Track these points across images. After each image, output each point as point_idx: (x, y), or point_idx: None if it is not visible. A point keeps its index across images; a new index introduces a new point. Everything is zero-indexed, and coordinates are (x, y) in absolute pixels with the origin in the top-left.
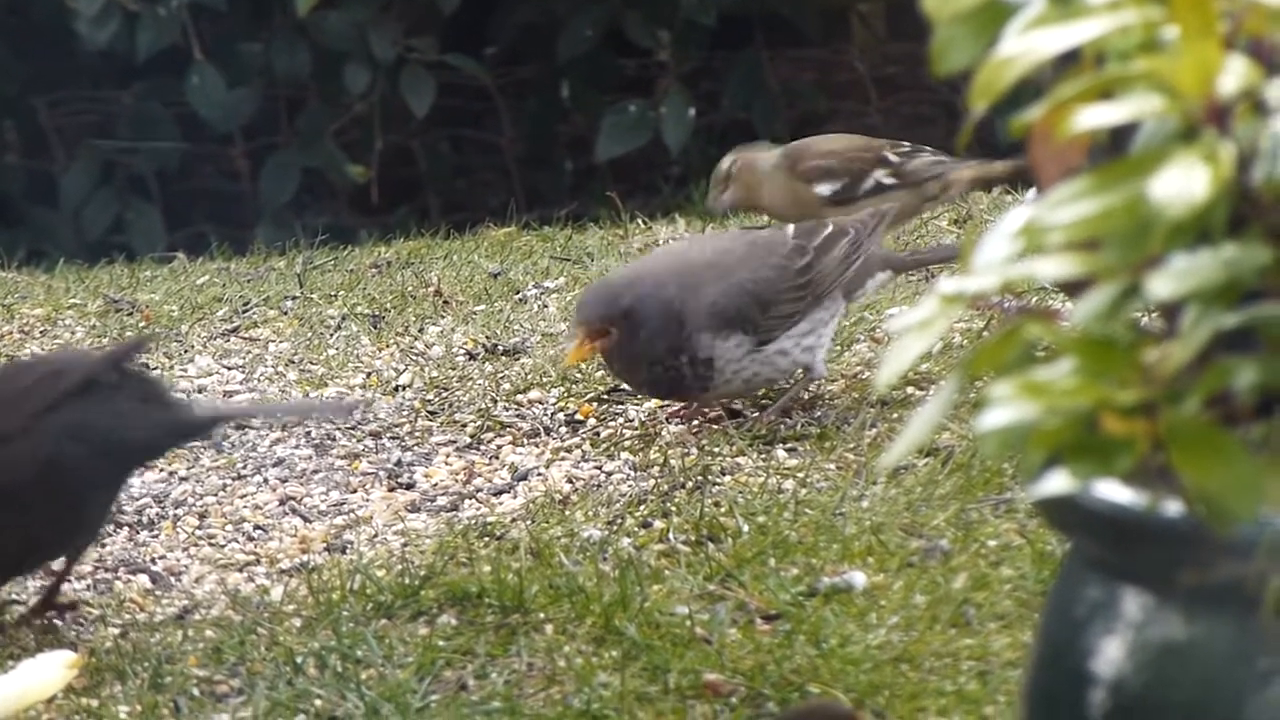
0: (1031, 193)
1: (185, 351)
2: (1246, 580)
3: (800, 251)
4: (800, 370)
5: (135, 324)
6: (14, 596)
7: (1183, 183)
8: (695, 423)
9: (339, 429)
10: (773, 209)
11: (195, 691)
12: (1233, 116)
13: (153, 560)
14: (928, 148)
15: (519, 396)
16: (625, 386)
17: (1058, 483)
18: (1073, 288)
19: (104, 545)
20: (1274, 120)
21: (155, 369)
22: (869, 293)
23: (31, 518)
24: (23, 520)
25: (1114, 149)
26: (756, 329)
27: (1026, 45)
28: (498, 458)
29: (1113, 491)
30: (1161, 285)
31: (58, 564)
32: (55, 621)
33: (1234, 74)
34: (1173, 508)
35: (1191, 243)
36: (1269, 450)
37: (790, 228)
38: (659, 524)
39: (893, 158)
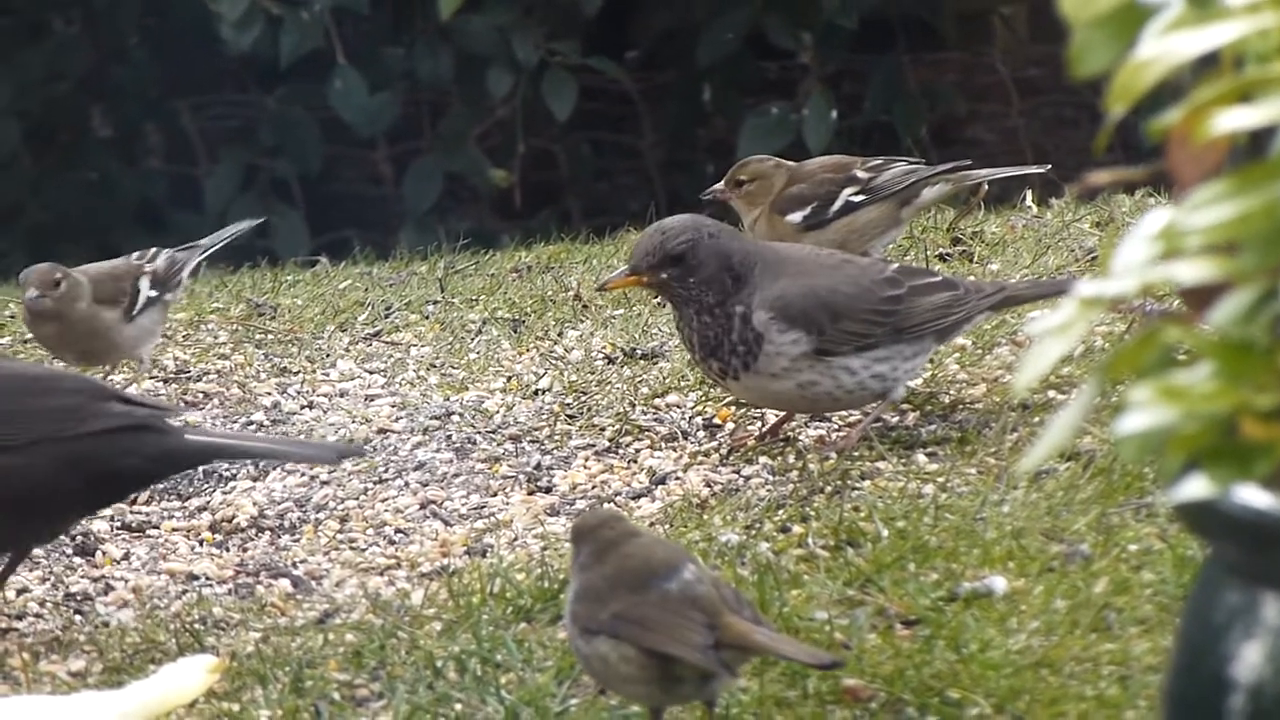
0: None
1: (327, 356)
2: None
3: (893, 284)
4: (877, 401)
5: (277, 328)
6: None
7: None
8: (767, 440)
9: (479, 432)
10: (751, 231)
11: (336, 695)
12: None
13: (294, 564)
14: (903, 159)
15: (657, 400)
16: (685, 350)
17: (1197, 487)
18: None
19: (245, 549)
20: None
21: (298, 373)
22: (964, 334)
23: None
24: None
25: (1253, 152)
26: (821, 335)
27: (1165, 48)
28: (636, 461)
29: (1252, 496)
30: None
31: None
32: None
33: None
34: None
35: None
36: None
37: (894, 263)
38: (798, 529)
39: (861, 174)
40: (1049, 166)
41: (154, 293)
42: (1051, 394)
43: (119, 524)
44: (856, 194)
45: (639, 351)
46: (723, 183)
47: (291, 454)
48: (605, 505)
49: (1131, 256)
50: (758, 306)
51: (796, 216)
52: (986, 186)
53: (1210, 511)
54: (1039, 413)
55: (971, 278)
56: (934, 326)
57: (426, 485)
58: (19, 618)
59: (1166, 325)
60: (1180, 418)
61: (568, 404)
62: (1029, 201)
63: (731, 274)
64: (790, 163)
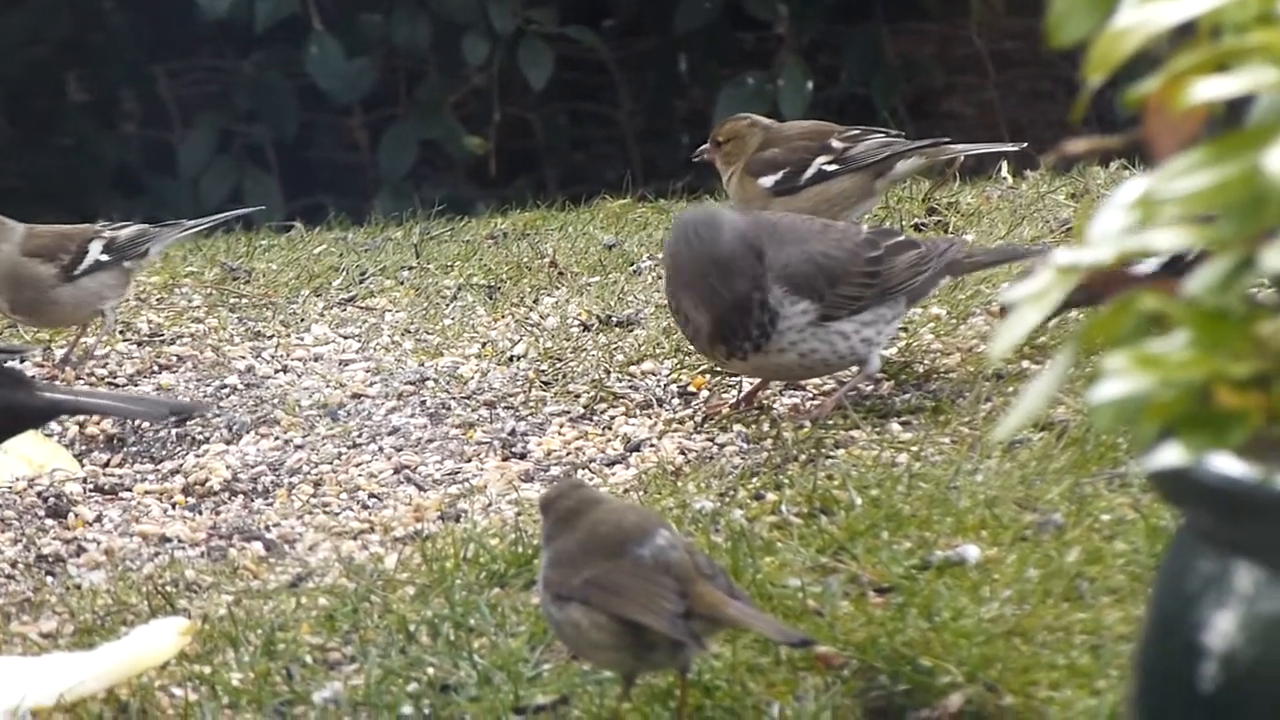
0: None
1: (301, 321)
2: None
3: (872, 245)
4: (855, 367)
5: (252, 292)
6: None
7: None
8: (742, 408)
9: (454, 398)
10: (727, 190)
11: (308, 659)
12: None
13: (267, 528)
14: (881, 131)
15: (632, 368)
16: (682, 330)
17: (1171, 455)
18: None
19: (218, 513)
20: None
21: (272, 338)
22: (929, 297)
23: None
24: None
25: (1230, 121)
26: (823, 300)
27: (1143, 16)
28: (611, 428)
29: (1226, 464)
30: (1276, 257)
31: None
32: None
33: None
34: None
35: None
36: None
37: (864, 224)
38: (772, 496)
39: (837, 144)
40: (1024, 144)
41: (105, 257)
42: (1025, 364)
43: (92, 486)
44: (830, 163)
45: (614, 319)
46: (708, 143)
47: (126, 410)
48: (576, 473)
49: (1108, 225)
50: (771, 284)
51: (768, 181)
52: (962, 159)
53: (1184, 480)
54: (1013, 382)
55: (932, 235)
56: (909, 286)
57: (401, 450)
58: None
59: (1142, 294)
60: (1155, 386)
61: (543, 370)
62: (1004, 173)
63: (755, 251)
64: (769, 122)
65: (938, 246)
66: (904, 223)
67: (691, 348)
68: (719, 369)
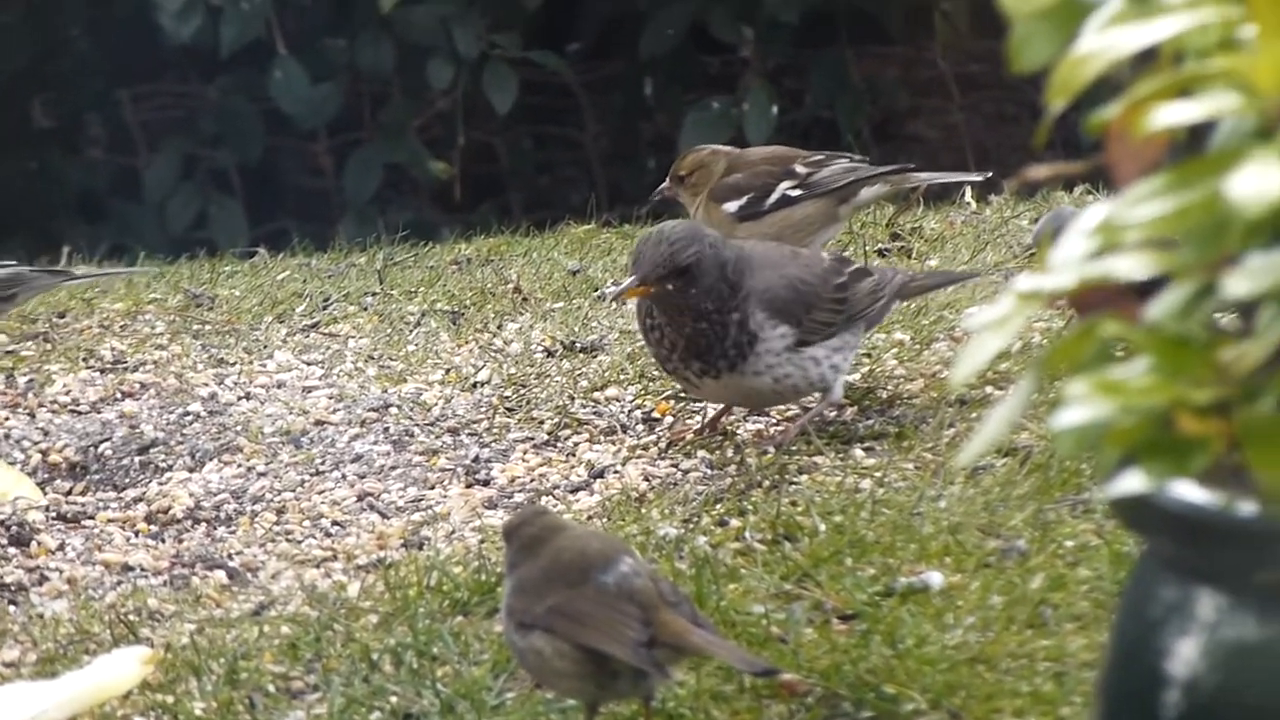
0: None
1: (264, 347)
2: None
3: (836, 272)
4: (818, 394)
5: (215, 319)
6: None
7: (1260, 181)
8: (706, 434)
9: (417, 425)
10: (694, 219)
11: (271, 688)
12: None
13: (230, 556)
14: (845, 155)
15: (596, 394)
16: (655, 349)
17: (1133, 482)
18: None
19: (181, 541)
20: None
21: (235, 364)
22: (883, 323)
23: None
24: None
25: (1191, 147)
26: (800, 326)
27: (1105, 42)
28: (575, 455)
29: (1188, 491)
30: (1238, 283)
31: None
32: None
33: None
34: (1248, 508)
35: (1268, 241)
36: None
37: (824, 251)
38: (735, 522)
39: (800, 169)
40: (989, 174)
41: None
42: (989, 390)
43: (54, 514)
44: (794, 188)
45: (578, 344)
46: (667, 180)
47: None
48: (540, 500)
49: (1070, 251)
50: (754, 308)
51: (732, 206)
52: (925, 185)
53: (1146, 506)
54: (976, 408)
55: (881, 265)
56: (869, 313)
57: (364, 477)
58: None
59: (1104, 320)
60: (1117, 412)
61: (507, 397)
62: (968, 198)
63: (727, 282)
64: (729, 149)
65: (887, 274)
66: (867, 248)
67: (658, 371)
68: (685, 393)
